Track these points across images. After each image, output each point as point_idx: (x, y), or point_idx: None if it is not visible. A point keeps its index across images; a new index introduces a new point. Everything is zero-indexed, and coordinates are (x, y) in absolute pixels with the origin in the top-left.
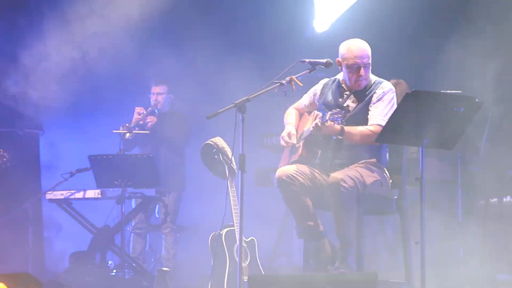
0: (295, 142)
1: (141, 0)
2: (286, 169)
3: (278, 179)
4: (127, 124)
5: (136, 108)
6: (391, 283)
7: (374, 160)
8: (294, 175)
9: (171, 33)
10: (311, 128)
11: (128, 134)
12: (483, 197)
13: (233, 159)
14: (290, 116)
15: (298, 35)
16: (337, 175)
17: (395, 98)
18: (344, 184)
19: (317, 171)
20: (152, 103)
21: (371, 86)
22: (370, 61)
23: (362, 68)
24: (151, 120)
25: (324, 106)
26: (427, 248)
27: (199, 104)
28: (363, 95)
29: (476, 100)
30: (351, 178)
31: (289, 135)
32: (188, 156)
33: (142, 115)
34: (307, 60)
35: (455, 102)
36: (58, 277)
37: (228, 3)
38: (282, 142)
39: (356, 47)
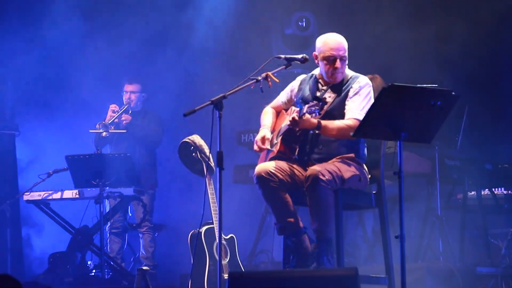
0: (268, 147)
1: None
2: (264, 166)
3: (257, 176)
4: (103, 122)
5: (111, 105)
6: (372, 278)
7: (352, 155)
8: (273, 171)
9: (144, 30)
10: (288, 123)
11: (104, 133)
12: (462, 191)
13: (210, 157)
14: (267, 116)
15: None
16: (315, 167)
17: (372, 92)
18: (322, 177)
19: (295, 166)
20: (124, 101)
21: (348, 80)
22: (346, 55)
23: (338, 60)
24: (125, 118)
25: (301, 101)
26: (406, 242)
27: (176, 101)
28: (340, 89)
29: (453, 93)
30: (329, 171)
31: (262, 139)
32: (166, 154)
33: (116, 113)
34: (283, 56)
35: (432, 95)
36: (37, 278)
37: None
38: (256, 147)
39: (333, 40)
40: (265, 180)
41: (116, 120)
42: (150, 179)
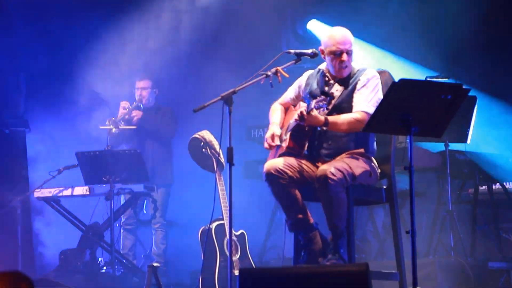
0: (278, 143)
1: None
2: (273, 163)
3: (266, 173)
4: (113, 118)
5: (121, 102)
6: (383, 273)
7: (362, 150)
8: (282, 168)
9: (154, 25)
10: (296, 117)
11: (114, 129)
12: (472, 185)
13: (221, 152)
14: (275, 113)
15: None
16: (325, 167)
17: (379, 84)
18: (332, 177)
19: (304, 162)
20: (136, 98)
21: (355, 73)
22: (352, 48)
23: (344, 54)
24: (136, 114)
25: (309, 96)
26: (417, 237)
27: (186, 97)
28: (347, 83)
29: (463, 87)
30: (339, 170)
31: (272, 136)
32: (176, 150)
33: (127, 109)
34: (293, 51)
35: (442, 89)
36: (48, 275)
37: None
38: (266, 145)
39: (339, 34)
40: (274, 177)
41: (126, 116)
42: (165, 175)
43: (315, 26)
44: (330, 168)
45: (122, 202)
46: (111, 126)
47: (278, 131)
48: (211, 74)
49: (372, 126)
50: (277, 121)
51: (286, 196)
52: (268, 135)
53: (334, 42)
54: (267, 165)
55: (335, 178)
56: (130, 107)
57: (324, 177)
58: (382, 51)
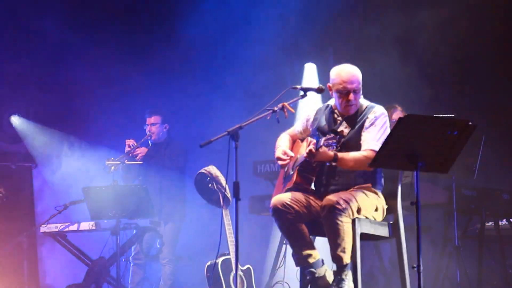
0: (292, 154)
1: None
2: (280, 198)
3: (273, 208)
4: (112, 158)
5: (126, 140)
6: None
7: (369, 185)
8: (289, 203)
9: (161, 61)
10: (305, 155)
11: (113, 167)
12: (479, 221)
13: (227, 187)
14: (282, 140)
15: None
16: (331, 197)
17: (388, 122)
18: (338, 206)
19: (312, 198)
20: (147, 133)
21: (363, 111)
22: (360, 87)
23: (351, 93)
24: (140, 151)
25: (317, 131)
26: (424, 272)
27: (193, 132)
28: (355, 120)
29: (470, 123)
30: (345, 200)
31: (284, 153)
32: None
33: (131, 147)
34: (299, 86)
35: (449, 125)
36: None
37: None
38: (280, 162)
39: (346, 72)
40: (281, 212)
41: (130, 154)
42: (176, 211)
43: (310, 70)
44: (336, 198)
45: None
46: (116, 162)
47: (287, 149)
48: (218, 109)
49: (379, 161)
50: (284, 145)
51: (293, 231)
52: (279, 153)
53: (340, 81)
54: (274, 200)
55: (340, 207)
56: (135, 144)
57: (330, 207)
58: None
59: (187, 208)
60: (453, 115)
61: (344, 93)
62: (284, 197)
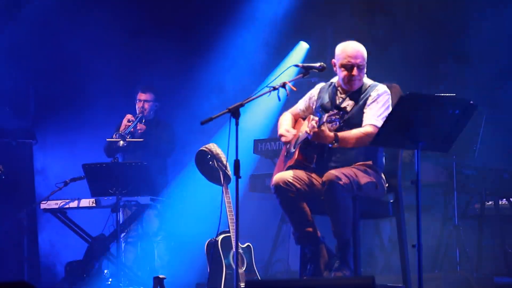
0: (295, 131)
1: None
2: (282, 175)
3: (275, 185)
4: (119, 132)
5: (127, 115)
6: (388, 287)
7: (370, 162)
8: (291, 181)
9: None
10: (308, 130)
11: (122, 143)
12: (479, 200)
13: (227, 165)
14: (285, 119)
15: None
16: (331, 172)
17: (390, 100)
18: (339, 182)
19: (313, 175)
20: (137, 110)
21: (366, 89)
22: (364, 63)
23: (355, 68)
24: (140, 128)
25: (321, 108)
26: (423, 251)
27: (194, 109)
28: (358, 98)
29: (471, 102)
30: (346, 176)
31: (287, 130)
32: (183, 163)
33: (131, 122)
34: (301, 64)
35: (450, 104)
36: (54, 287)
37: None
38: (283, 138)
39: (351, 48)
40: (282, 189)
41: (131, 129)
42: (162, 188)
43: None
44: (337, 173)
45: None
46: (118, 139)
47: (290, 127)
48: (218, 87)
49: (380, 140)
50: (287, 124)
51: (294, 209)
52: (282, 130)
53: (345, 55)
54: (276, 177)
55: (341, 182)
56: (134, 120)
57: (331, 181)
58: None
59: (182, 185)
60: (454, 94)
61: (348, 67)
62: (286, 175)
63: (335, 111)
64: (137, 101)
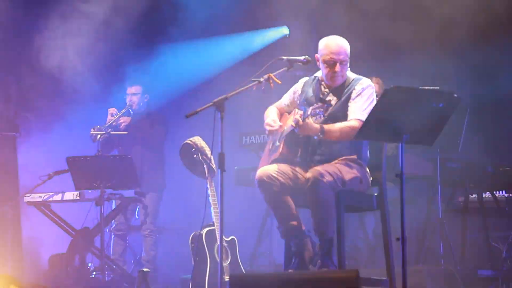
0: (280, 123)
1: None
2: (266, 169)
3: (259, 179)
4: (98, 126)
5: (109, 109)
6: (373, 280)
7: (354, 156)
8: (275, 175)
9: (146, 32)
10: (293, 124)
11: (99, 136)
12: (463, 193)
13: (212, 158)
14: (271, 111)
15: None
16: (315, 169)
17: (374, 94)
18: (322, 179)
19: (298, 169)
20: (127, 103)
21: (350, 83)
22: (347, 58)
23: (337, 64)
24: (124, 121)
25: (305, 102)
26: (407, 244)
27: (178, 103)
28: (342, 92)
29: (455, 95)
30: (329, 173)
31: (273, 121)
32: (167, 156)
33: (115, 116)
34: (285, 57)
35: (434, 97)
36: (37, 280)
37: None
38: (268, 127)
39: (334, 43)
40: (266, 184)
41: (114, 123)
42: (155, 181)
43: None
44: (321, 170)
45: (113, 207)
46: (98, 133)
47: (276, 119)
48: (203, 80)
49: (364, 133)
50: (273, 116)
51: (279, 203)
52: (268, 120)
53: (328, 52)
54: (260, 171)
55: (324, 180)
56: (117, 113)
57: (314, 179)
58: None
59: (167, 178)
60: (438, 87)
61: (331, 64)
62: (269, 169)
63: (319, 104)
64: (126, 95)
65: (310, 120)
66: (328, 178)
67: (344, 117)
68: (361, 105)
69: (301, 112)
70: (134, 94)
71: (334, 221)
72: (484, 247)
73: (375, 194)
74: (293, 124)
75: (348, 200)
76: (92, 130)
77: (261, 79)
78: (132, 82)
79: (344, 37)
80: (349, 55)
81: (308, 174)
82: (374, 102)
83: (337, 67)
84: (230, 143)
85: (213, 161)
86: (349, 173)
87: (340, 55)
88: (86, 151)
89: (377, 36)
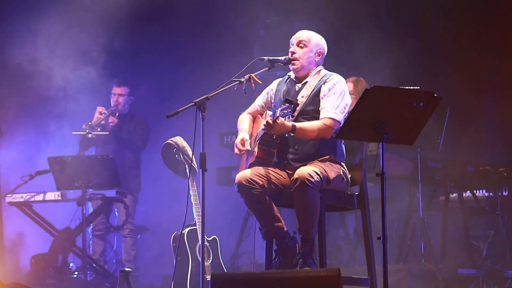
0: (249, 148)
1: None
2: (244, 174)
3: (238, 184)
4: (89, 123)
5: (98, 107)
6: (354, 279)
7: (332, 156)
8: (253, 178)
9: (131, 33)
10: (263, 127)
11: (90, 135)
12: (443, 192)
13: (193, 158)
14: (244, 121)
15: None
16: (303, 170)
17: (346, 89)
18: (311, 179)
19: (271, 170)
20: (112, 103)
21: (321, 78)
22: (309, 44)
23: (294, 45)
24: (112, 121)
25: (280, 102)
26: (388, 243)
27: (159, 103)
28: (314, 86)
29: (435, 95)
30: (316, 173)
31: (242, 141)
32: (149, 156)
33: (103, 114)
34: (266, 57)
35: (414, 97)
36: (19, 280)
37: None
38: (236, 151)
39: (301, 31)
40: (246, 187)
41: (103, 122)
42: (133, 183)
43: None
44: (309, 170)
45: (91, 208)
46: (86, 131)
47: (247, 137)
48: (184, 80)
49: (345, 133)
50: (246, 128)
51: (260, 206)
52: (237, 140)
53: (292, 37)
54: (238, 176)
55: (313, 180)
56: (106, 112)
57: (303, 180)
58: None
59: (148, 178)
60: (418, 87)
61: (290, 47)
62: (247, 173)
63: (287, 105)
64: (112, 95)
65: (281, 120)
66: (316, 178)
67: (315, 111)
68: (333, 102)
69: (271, 113)
70: (120, 95)
71: (317, 221)
72: (464, 246)
73: (356, 193)
74: (264, 127)
75: (329, 199)
76: (84, 125)
77: (242, 79)
78: (119, 82)
79: None
80: (315, 46)
81: (295, 176)
82: (347, 97)
83: (293, 48)
84: (211, 143)
85: (194, 161)
86: (332, 172)
87: (298, 38)
88: (68, 151)
89: None
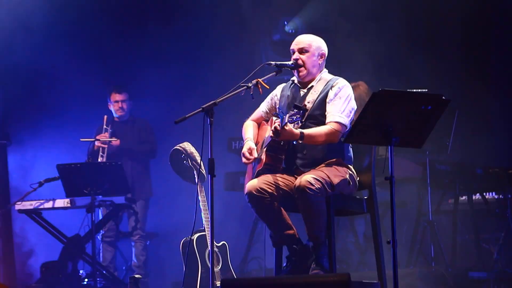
0: (256, 155)
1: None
2: (253, 183)
3: (249, 194)
4: (93, 149)
5: (97, 137)
6: (364, 284)
7: (339, 159)
8: (262, 187)
9: (135, 38)
10: (271, 134)
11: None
12: (453, 195)
13: (202, 164)
14: (248, 129)
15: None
16: (303, 177)
17: (352, 93)
18: (311, 186)
19: (280, 176)
20: (115, 110)
21: (326, 82)
22: (311, 49)
23: (296, 52)
24: (115, 142)
25: (286, 108)
26: (398, 247)
27: (167, 109)
28: (319, 91)
29: (443, 97)
30: (317, 179)
31: (249, 150)
32: (157, 162)
33: (107, 143)
34: (273, 62)
35: (422, 100)
36: (30, 287)
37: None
38: (244, 160)
39: (300, 36)
40: (256, 197)
41: (106, 145)
42: (143, 189)
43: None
44: (308, 177)
45: (100, 215)
46: (86, 140)
47: (253, 145)
48: (192, 86)
49: (353, 137)
50: (251, 136)
51: (271, 214)
52: (244, 150)
53: (292, 44)
54: (248, 186)
55: (313, 187)
56: (107, 134)
57: (302, 188)
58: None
59: (157, 184)
60: (426, 90)
61: (292, 54)
62: (256, 182)
63: (295, 110)
64: (112, 102)
65: (289, 126)
66: (316, 185)
67: (322, 116)
68: (340, 107)
69: (279, 120)
70: (123, 101)
71: (325, 226)
72: (474, 249)
73: (365, 197)
74: (272, 134)
75: (338, 204)
76: (87, 160)
77: (250, 84)
78: (119, 88)
79: None
80: (317, 49)
81: (296, 183)
82: (352, 102)
83: (296, 55)
84: (219, 148)
85: (202, 167)
86: (337, 177)
87: (299, 44)
88: (77, 159)
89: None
